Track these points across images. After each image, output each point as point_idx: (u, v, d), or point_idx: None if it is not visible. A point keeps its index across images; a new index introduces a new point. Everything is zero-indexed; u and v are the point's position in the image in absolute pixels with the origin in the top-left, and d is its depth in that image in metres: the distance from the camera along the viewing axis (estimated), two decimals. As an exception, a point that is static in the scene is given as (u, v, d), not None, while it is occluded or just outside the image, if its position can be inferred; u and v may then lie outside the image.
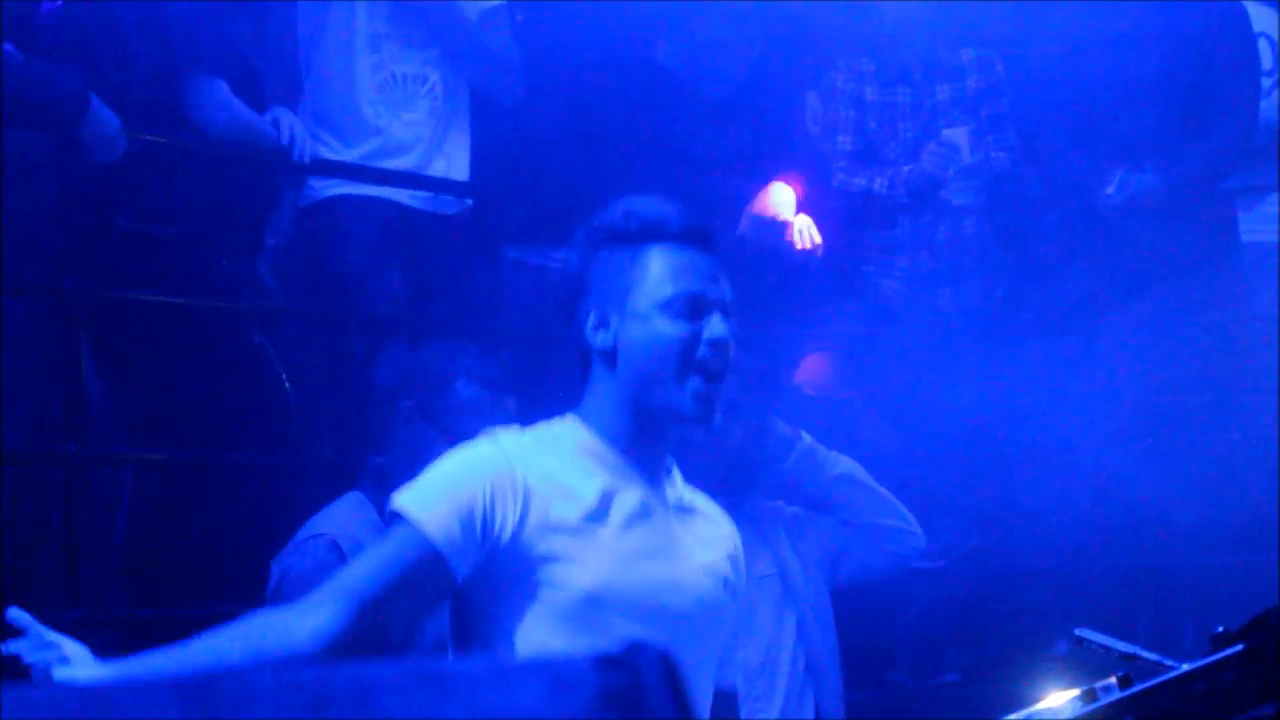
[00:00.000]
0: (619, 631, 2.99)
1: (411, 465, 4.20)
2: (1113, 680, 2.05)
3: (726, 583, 3.21)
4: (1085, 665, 5.71)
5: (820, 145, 6.15)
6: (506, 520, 3.00)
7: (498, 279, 5.71)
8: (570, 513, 3.04)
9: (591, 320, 3.12)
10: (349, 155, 5.35)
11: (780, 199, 5.91)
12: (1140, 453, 5.81)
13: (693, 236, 3.15)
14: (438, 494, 3.01)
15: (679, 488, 3.24)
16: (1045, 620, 5.85)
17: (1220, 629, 2.03)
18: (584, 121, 5.91)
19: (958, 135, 5.98)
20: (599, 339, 3.11)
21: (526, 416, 4.19)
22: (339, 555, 4.18)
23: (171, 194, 4.92)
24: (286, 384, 5.03)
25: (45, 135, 4.69)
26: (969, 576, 5.95)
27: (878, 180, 6.04)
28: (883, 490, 5.01)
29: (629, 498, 3.10)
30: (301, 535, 4.34)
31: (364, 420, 4.84)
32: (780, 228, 5.89)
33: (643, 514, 3.10)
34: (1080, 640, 2.49)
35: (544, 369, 5.07)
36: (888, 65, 6.15)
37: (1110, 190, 5.87)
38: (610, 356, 3.11)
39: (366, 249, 5.29)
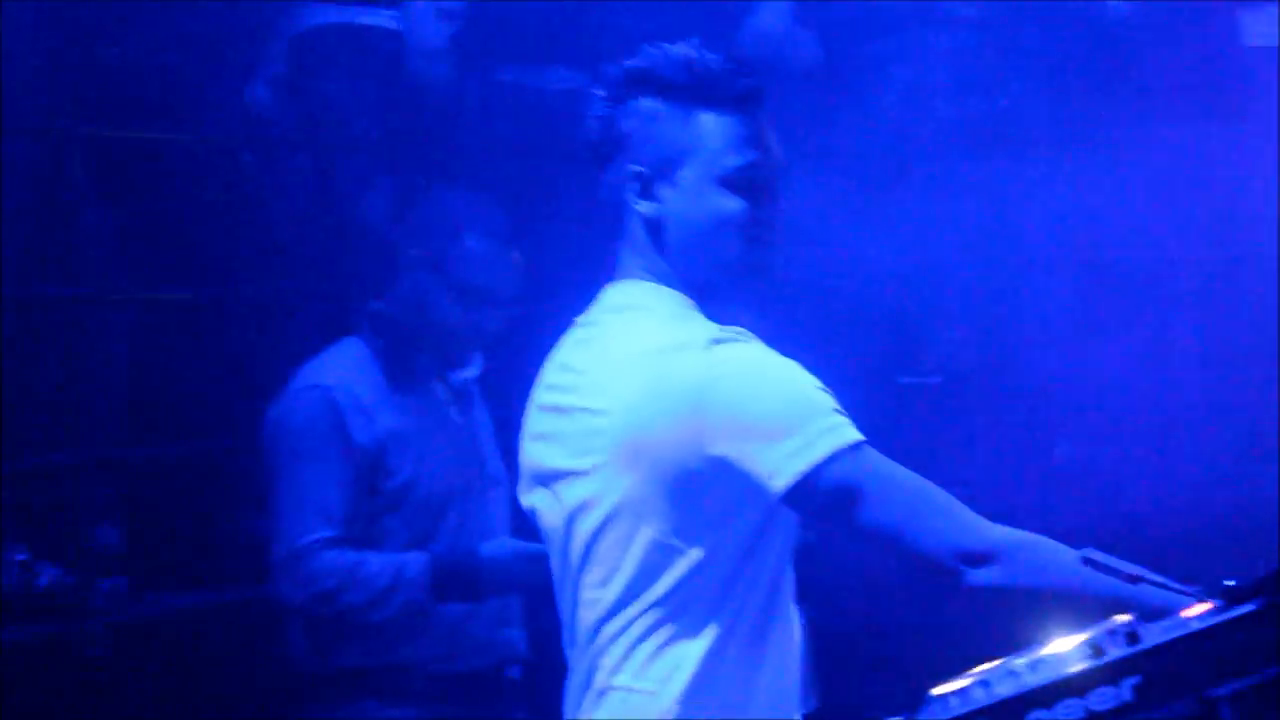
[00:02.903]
0: None
1: (414, 314, 4.21)
2: (1116, 624, 2.03)
3: None
4: (1079, 466, 5.84)
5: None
6: None
7: (492, 105, 5.61)
8: None
9: (633, 184, 2.86)
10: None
11: (778, 12, 5.81)
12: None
13: (750, 98, 2.86)
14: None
15: None
16: (1044, 431, 5.91)
17: (1232, 581, 2.02)
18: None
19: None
20: (643, 207, 2.86)
21: (531, 270, 4.21)
22: (333, 410, 4.13)
23: (160, 24, 4.84)
24: (279, 219, 4.99)
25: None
26: (971, 391, 5.96)
27: (878, -9, 5.93)
28: None
29: None
30: (297, 384, 4.24)
31: (359, 260, 4.79)
32: (778, 41, 5.79)
33: None
34: (1089, 560, 2.48)
35: (551, 220, 4.98)
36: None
37: (1116, -1, 5.80)
38: (655, 226, 2.86)
39: (358, 78, 5.19)
